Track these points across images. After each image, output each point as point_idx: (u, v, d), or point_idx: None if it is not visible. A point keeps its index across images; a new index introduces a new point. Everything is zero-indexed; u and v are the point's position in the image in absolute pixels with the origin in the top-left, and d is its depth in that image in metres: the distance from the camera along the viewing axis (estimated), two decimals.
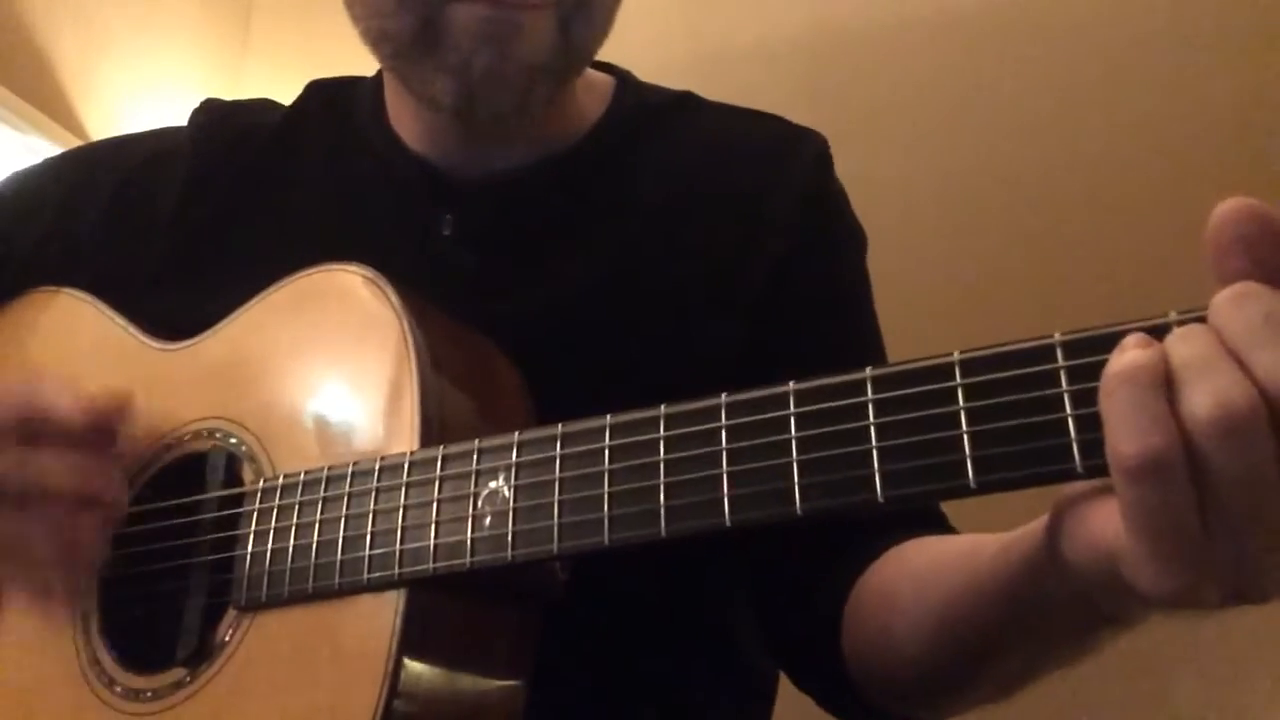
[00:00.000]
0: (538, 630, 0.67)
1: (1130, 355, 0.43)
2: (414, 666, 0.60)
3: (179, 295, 0.84)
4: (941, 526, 0.75)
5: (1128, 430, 0.42)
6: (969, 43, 1.85)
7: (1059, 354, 0.46)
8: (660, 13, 2.00)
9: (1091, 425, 0.44)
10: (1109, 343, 0.44)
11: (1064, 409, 0.45)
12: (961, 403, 0.48)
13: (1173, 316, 0.44)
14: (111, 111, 1.95)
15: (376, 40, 0.77)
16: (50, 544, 0.66)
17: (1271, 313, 0.41)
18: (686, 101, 0.90)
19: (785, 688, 0.86)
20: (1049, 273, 1.71)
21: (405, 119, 0.85)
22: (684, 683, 0.79)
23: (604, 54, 0.84)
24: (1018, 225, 1.76)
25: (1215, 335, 0.42)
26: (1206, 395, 0.41)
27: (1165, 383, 0.42)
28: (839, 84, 1.87)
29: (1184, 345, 0.42)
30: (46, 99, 1.82)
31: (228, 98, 0.99)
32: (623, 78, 0.90)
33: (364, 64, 0.92)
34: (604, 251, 0.80)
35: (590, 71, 0.88)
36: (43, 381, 0.67)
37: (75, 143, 1.78)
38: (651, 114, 0.87)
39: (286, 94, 0.97)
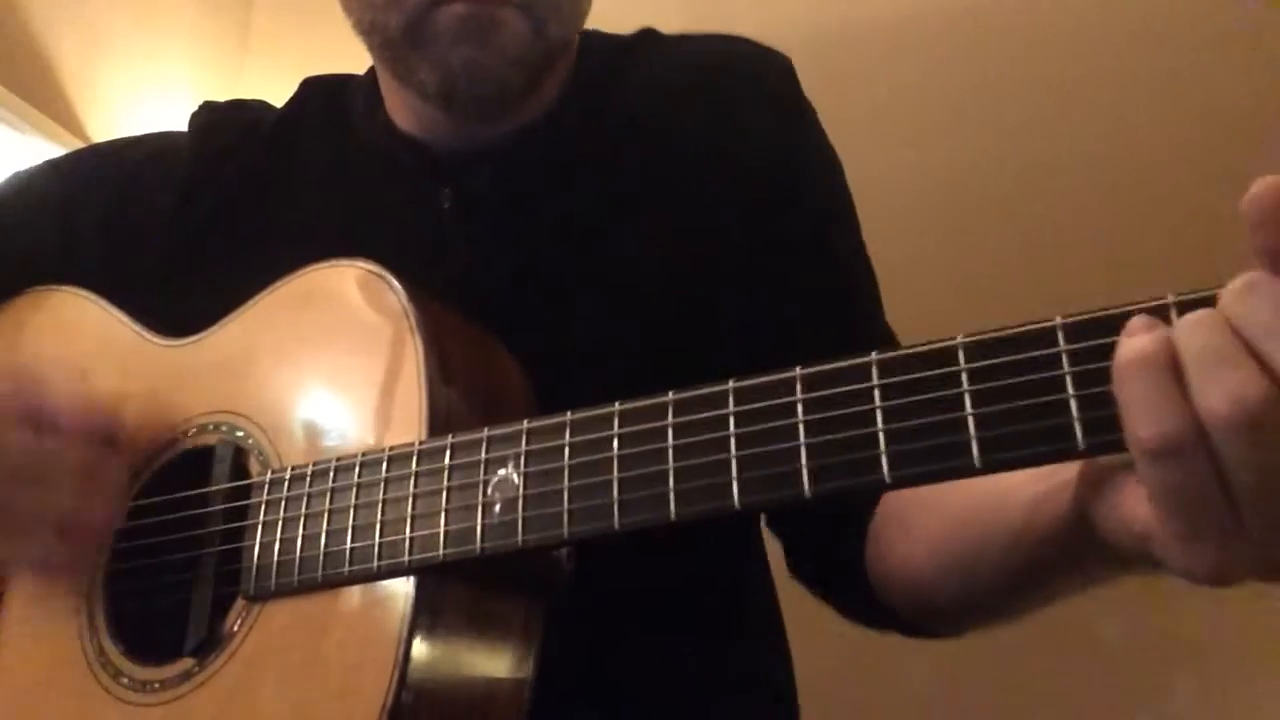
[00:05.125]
0: (544, 620, 0.67)
1: (1140, 341, 0.43)
2: (424, 653, 0.60)
3: (178, 294, 0.85)
4: None
5: (1144, 415, 0.42)
6: (968, 42, 1.85)
7: (1060, 337, 0.47)
8: (660, 12, 2.00)
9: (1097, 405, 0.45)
10: (1112, 325, 0.45)
11: (1066, 389, 0.46)
12: (966, 385, 0.48)
13: (1170, 299, 0.45)
14: (111, 112, 1.95)
15: (368, 30, 0.80)
16: (60, 519, 0.67)
17: None
18: (645, 39, 0.93)
19: (804, 692, 0.87)
20: (1048, 269, 1.71)
21: (399, 107, 0.87)
22: (689, 678, 0.80)
23: None
24: (1017, 222, 1.76)
25: (1225, 325, 0.42)
26: (1221, 390, 0.41)
27: (1176, 368, 0.42)
28: (839, 83, 1.87)
29: (1194, 335, 0.42)
30: (46, 99, 1.82)
31: (227, 98, 0.99)
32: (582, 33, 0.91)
33: (363, 63, 0.92)
34: (587, 209, 0.83)
35: None
36: (45, 372, 0.69)
37: (75, 143, 1.78)
38: (612, 60, 0.89)
39: (286, 94, 0.97)
